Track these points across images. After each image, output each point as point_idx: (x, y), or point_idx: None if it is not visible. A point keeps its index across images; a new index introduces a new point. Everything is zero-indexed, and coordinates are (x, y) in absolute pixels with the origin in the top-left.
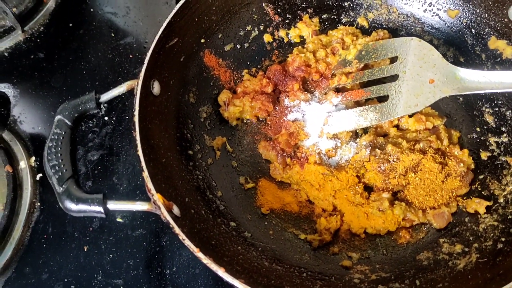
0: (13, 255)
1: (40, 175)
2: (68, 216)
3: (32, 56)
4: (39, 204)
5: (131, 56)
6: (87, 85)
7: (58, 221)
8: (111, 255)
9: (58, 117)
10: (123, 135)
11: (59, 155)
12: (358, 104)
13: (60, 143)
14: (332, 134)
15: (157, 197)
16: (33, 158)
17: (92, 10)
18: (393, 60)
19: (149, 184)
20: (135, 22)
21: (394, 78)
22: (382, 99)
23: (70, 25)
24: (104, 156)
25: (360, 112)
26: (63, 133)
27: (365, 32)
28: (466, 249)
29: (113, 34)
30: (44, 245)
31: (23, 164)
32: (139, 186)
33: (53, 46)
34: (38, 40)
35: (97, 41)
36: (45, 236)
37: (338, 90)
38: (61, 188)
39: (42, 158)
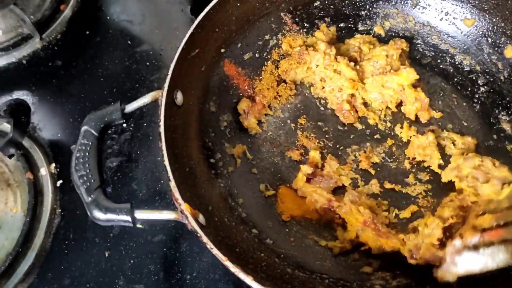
0: (35, 261)
1: (61, 181)
2: (89, 222)
3: (50, 64)
4: (59, 210)
5: (147, 63)
6: (104, 92)
7: (79, 227)
8: (132, 261)
9: (84, 127)
10: (141, 141)
11: (87, 165)
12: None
13: (87, 154)
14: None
15: (184, 206)
16: (53, 164)
17: (108, 18)
18: None
19: (176, 194)
20: (151, 30)
21: None
22: None
23: (87, 32)
24: (123, 163)
25: (490, 252)
26: (90, 143)
27: (382, 40)
28: None
29: (129, 42)
30: (66, 251)
31: (43, 171)
32: (157, 192)
33: (70, 54)
34: (56, 48)
35: (113, 48)
36: (66, 242)
37: None
38: (90, 198)
39: (65, 165)
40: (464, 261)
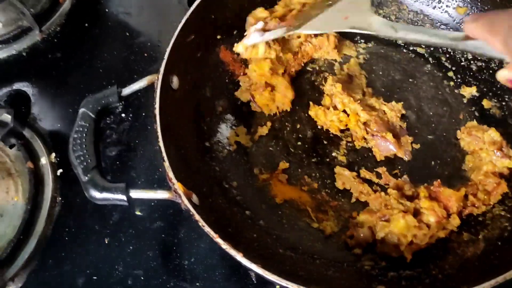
0: (36, 248)
1: (61, 170)
2: (89, 210)
3: (49, 56)
4: (60, 198)
5: (145, 55)
6: (103, 83)
7: (79, 214)
8: (131, 247)
9: (82, 110)
10: (140, 131)
11: (84, 146)
12: None
13: (84, 135)
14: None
15: (177, 185)
16: (53, 154)
17: (107, 10)
18: None
19: (170, 174)
20: (149, 22)
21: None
22: None
23: (86, 25)
24: (122, 152)
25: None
26: (87, 125)
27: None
28: (474, 237)
29: (127, 34)
30: (66, 238)
31: (43, 160)
32: (156, 180)
33: (69, 46)
34: (55, 40)
35: (112, 40)
36: (66, 230)
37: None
38: (86, 178)
39: (65, 154)
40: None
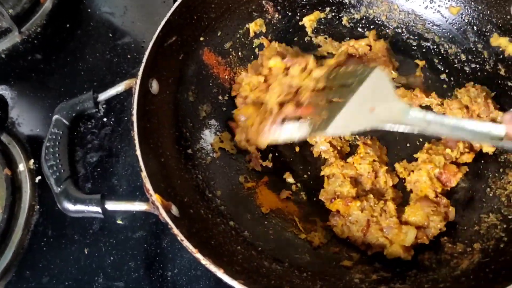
0: (13, 259)
1: (39, 177)
2: (68, 219)
3: (29, 58)
4: (38, 207)
5: (129, 56)
6: (85, 86)
7: (58, 223)
8: (111, 258)
9: (55, 116)
10: (122, 136)
11: (57, 155)
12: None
13: (57, 143)
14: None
15: (155, 197)
16: (32, 160)
17: (89, 10)
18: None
19: (147, 184)
20: (133, 22)
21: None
22: None
23: (68, 25)
24: (103, 158)
25: (299, 125)
26: (61, 133)
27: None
28: (468, 249)
29: (110, 34)
30: (44, 248)
31: (21, 166)
32: (138, 187)
33: (50, 47)
34: (35, 41)
35: (94, 41)
36: (45, 239)
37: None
38: (59, 189)
39: (39, 158)
40: (275, 131)
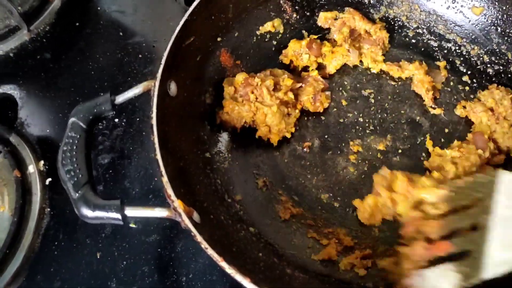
0: (23, 263)
1: (50, 179)
2: (79, 222)
3: (38, 57)
4: (49, 209)
5: (140, 56)
6: (95, 86)
7: (69, 227)
8: (124, 262)
9: (72, 119)
10: (134, 137)
11: (74, 159)
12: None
13: (75, 147)
14: None
15: (177, 203)
16: (42, 162)
17: (98, 8)
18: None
19: (169, 190)
20: (143, 21)
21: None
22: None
23: (77, 24)
24: (115, 159)
25: (443, 271)
26: (78, 136)
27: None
28: None
29: (121, 33)
30: (56, 252)
31: (31, 168)
32: (151, 190)
33: (59, 46)
34: (44, 40)
35: (104, 40)
36: (56, 243)
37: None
38: (77, 194)
39: (55, 162)
40: (417, 281)
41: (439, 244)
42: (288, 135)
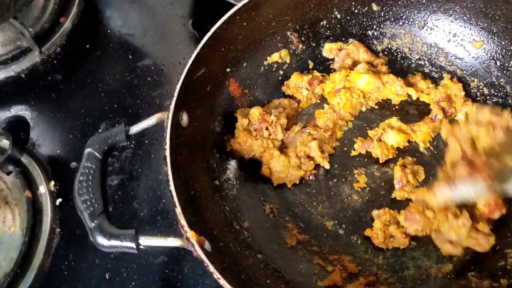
0: (34, 282)
1: (60, 200)
2: (89, 242)
3: (49, 78)
4: (59, 229)
5: (149, 79)
6: (105, 108)
7: (79, 247)
8: (133, 283)
9: (88, 150)
10: (142, 159)
11: (90, 189)
12: None
13: (91, 177)
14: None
15: (190, 234)
16: (52, 182)
17: (109, 31)
18: None
19: (182, 221)
20: (153, 44)
21: None
22: None
23: (87, 46)
24: (124, 181)
25: (474, 186)
26: (94, 166)
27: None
28: (495, 285)
29: (130, 56)
30: (66, 272)
31: (42, 188)
32: (160, 211)
33: (70, 68)
34: (55, 62)
35: (114, 62)
36: (66, 263)
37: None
38: (93, 224)
39: (65, 182)
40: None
41: (481, 168)
42: (289, 185)
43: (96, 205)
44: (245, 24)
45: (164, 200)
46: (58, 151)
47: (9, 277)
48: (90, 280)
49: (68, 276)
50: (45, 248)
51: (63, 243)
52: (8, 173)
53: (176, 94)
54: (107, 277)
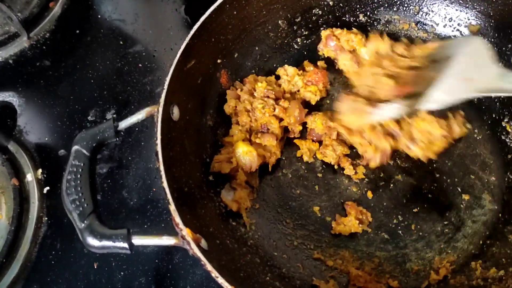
0: (20, 272)
1: (48, 188)
2: (77, 231)
3: (37, 64)
4: (46, 218)
5: (140, 65)
6: (94, 94)
7: (67, 236)
8: (122, 273)
9: (75, 147)
10: (132, 147)
11: (79, 188)
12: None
13: (79, 176)
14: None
15: (186, 231)
16: (40, 170)
17: (99, 16)
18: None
19: (177, 218)
20: (144, 30)
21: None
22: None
23: (77, 31)
24: (114, 169)
25: (396, 105)
26: (82, 164)
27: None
28: (502, 274)
29: (121, 42)
30: (52, 262)
31: (29, 176)
32: (149, 200)
33: (59, 54)
34: (44, 47)
35: (104, 48)
36: (53, 252)
37: None
38: (83, 224)
39: (52, 170)
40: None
41: (404, 86)
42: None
43: (85, 205)
44: (235, 13)
45: (154, 189)
46: (46, 139)
47: None
48: (78, 270)
49: (55, 265)
50: (31, 237)
51: (50, 232)
52: None
53: (166, 87)
54: (96, 267)
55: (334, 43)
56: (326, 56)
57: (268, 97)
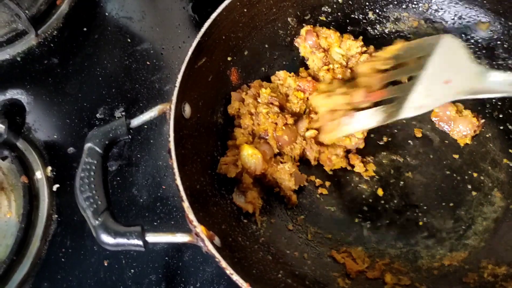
0: (30, 270)
1: (57, 185)
2: (87, 228)
3: (45, 61)
4: (56, 216)
5: (148, 63)
6: (103, 92)
7: (76, 234)
8: (132, 270)
9: (88, 145)
10: (142, 145)
11: (93, 186)
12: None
13: (92, 173)
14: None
15: (200, 228)
16: (49, 167)
17: (107, 14)
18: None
19: (191, 216)
20: (152, 28)
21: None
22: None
23: (85, 29)
24: (123, 167)
25: (372, 112)
26: (95, 162)
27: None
28: None
29: (129, 40)
30: (63, 259)
31: (39, 174)
32: (159, 198)
33: (67, 51)
34: (52, 45)
35: (112, 46)
36: (63, 250)
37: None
38: (97, 222)
39: (62, 167)
40: (348, 123)
41: (376, 92)
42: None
43: (99, 202)
44: (245, 10)
45: (163, 187)
46: (55, 136)
47: (5, 264)
48: (88, 267)
49: (65, 263)
50: (42, 234)
51: (60, 230)
52: (4, 158)
53: (177, 84)
54: (106, 264)
55: (314, 39)
56: (301, 55)
57: (272, 103)
